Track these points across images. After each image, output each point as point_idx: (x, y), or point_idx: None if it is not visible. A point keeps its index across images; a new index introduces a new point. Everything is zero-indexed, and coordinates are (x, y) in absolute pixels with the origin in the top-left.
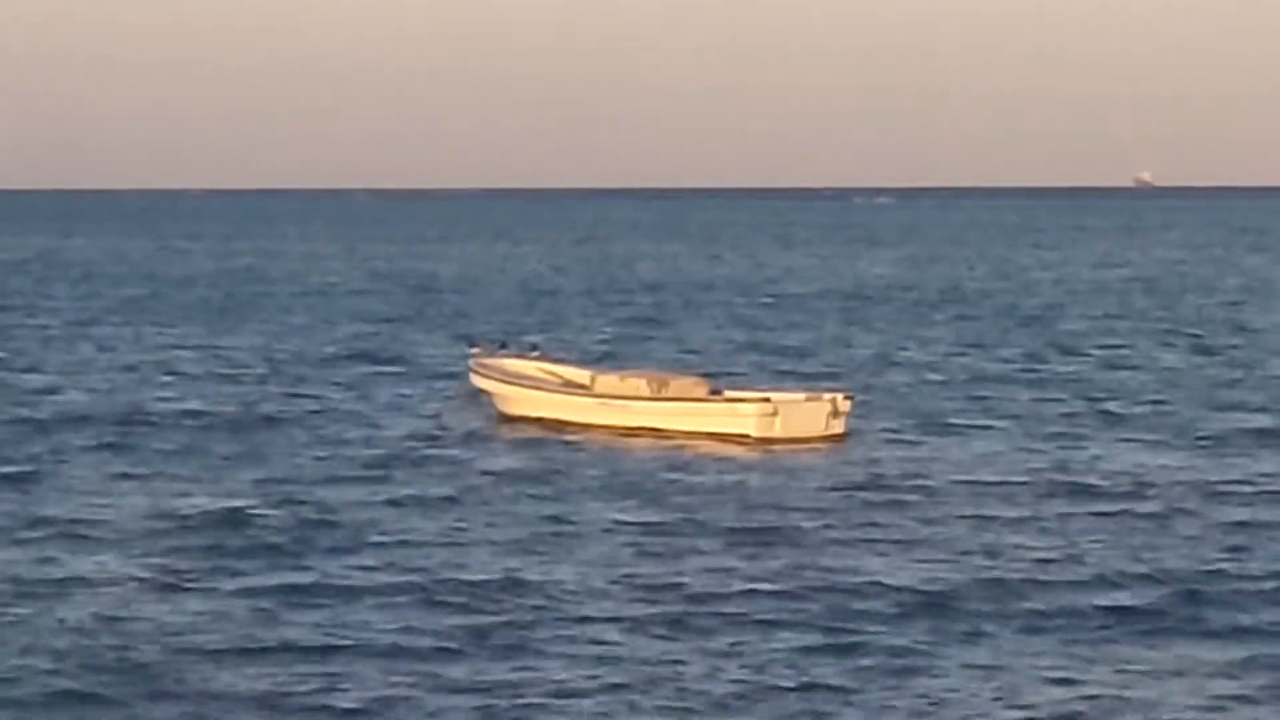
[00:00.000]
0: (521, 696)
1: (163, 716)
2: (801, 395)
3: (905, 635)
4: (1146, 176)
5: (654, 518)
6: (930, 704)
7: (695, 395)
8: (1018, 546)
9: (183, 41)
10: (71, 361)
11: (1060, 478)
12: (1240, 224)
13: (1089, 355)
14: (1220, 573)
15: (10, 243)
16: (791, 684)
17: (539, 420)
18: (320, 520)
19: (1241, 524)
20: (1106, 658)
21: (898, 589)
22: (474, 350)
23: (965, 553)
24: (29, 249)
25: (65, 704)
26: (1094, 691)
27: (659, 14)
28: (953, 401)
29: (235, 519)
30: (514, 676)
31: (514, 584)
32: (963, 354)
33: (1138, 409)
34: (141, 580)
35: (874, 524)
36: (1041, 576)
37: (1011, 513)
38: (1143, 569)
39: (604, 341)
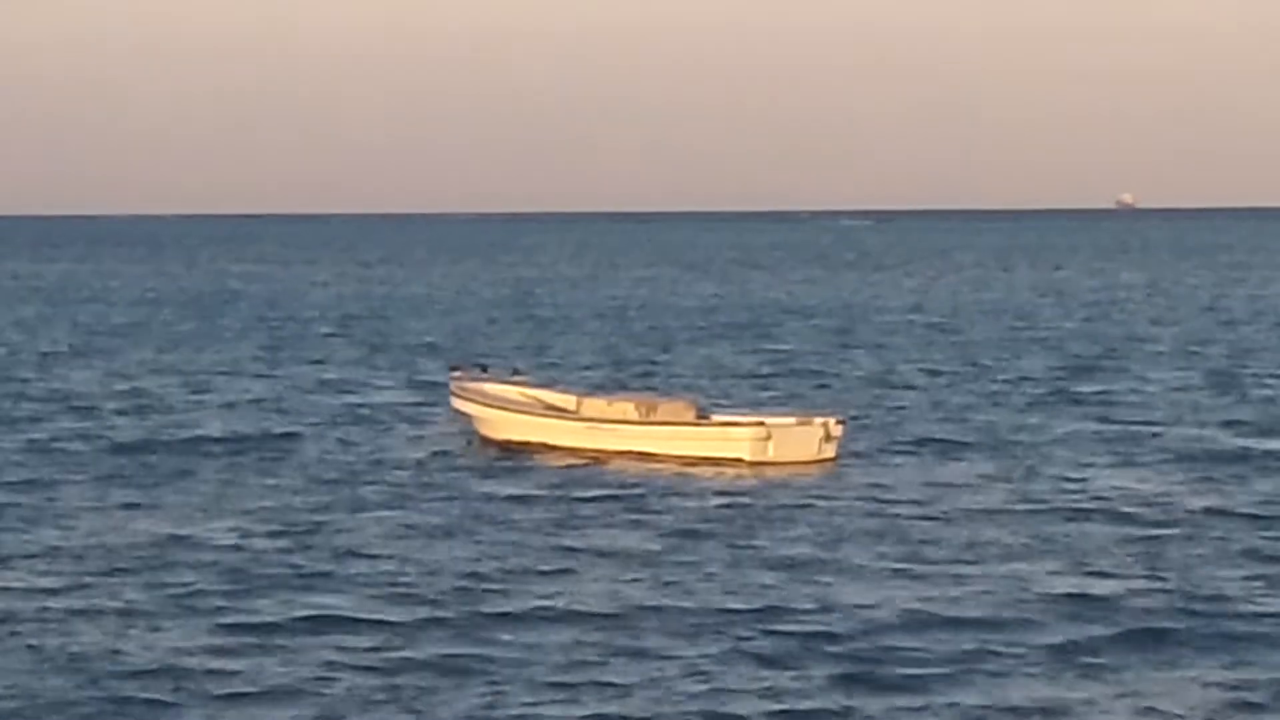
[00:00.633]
0: None
1: None
2: (793, 419)
3: (899, 661)
4: (1128, 198)
5: (654, 545)
6: None
7: (685, 419)
8: (1013, 570)
9: (168, 64)
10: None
11: (1057, 500)
12: (1222, 242)
13: (1089, 375)
14: (1221, 596)
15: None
16: (782, 709)
17: (524, 444)
18: (301, 547)
19: (1250, 550)
20: (1107, 680)
21: (893, 614)
22: (455, 373)
23: (961, 577)
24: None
25: None
26: (1097, 714)
27: (632, 34)
28: (946, 424)
29: (218, 549)
30: (504, 705)
31: (500, 611)
32: (956, 375)
33: (1136, 430)
34: (125, 610)
35: (870, 549)
36: (1039, 600)
37: (1007, 536)
38: (1144, 590)
39: (588, 368)
